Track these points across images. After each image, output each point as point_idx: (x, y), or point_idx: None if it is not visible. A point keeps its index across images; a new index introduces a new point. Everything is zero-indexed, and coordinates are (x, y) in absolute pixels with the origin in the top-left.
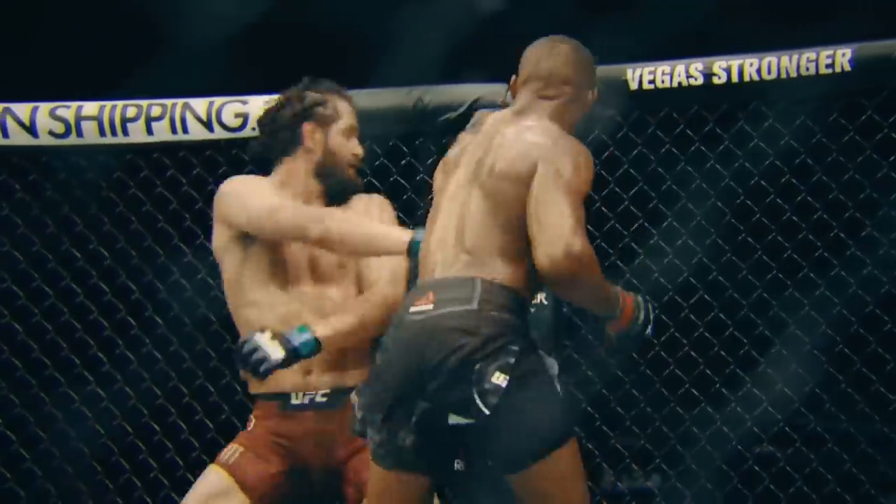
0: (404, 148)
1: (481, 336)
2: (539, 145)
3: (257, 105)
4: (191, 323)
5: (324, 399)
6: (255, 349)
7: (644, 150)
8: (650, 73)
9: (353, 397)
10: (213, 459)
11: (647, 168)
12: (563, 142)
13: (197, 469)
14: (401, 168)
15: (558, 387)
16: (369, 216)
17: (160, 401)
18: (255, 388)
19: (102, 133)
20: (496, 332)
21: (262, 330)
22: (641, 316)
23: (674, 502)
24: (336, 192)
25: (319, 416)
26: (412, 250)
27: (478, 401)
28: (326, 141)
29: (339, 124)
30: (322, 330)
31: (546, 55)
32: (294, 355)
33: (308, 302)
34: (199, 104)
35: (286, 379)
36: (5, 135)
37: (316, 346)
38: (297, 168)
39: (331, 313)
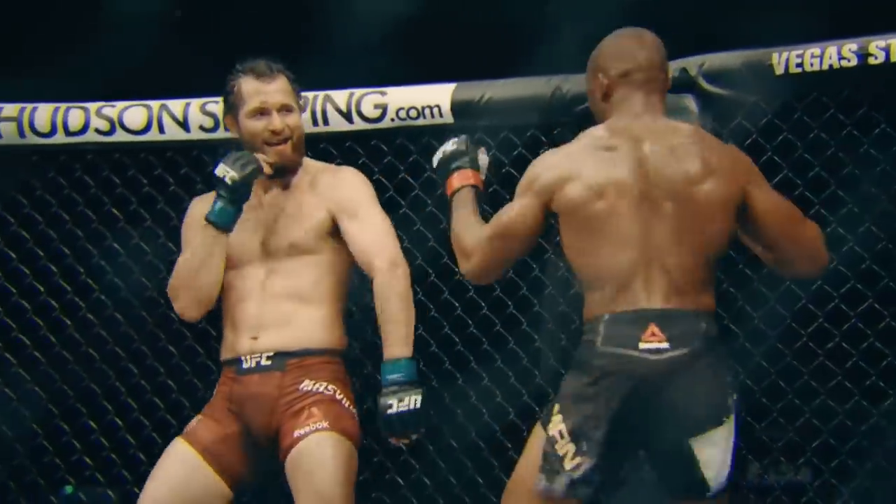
0: (542, 138)
1: (721, 379)
2: (714, 159)
3: (396, 96)
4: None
5: (268, 362)
6: (397, 415)
7: (790, 136)
8: (798, 56)
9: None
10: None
11: (793, 155)
12: (739, 153)
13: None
14: None
15: None
16: (317, 189)
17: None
18: (221, 355)
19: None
20: (728, 374)
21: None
22: None
23: (828, 498)
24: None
25: (262, 379)
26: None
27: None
28: (239, 128)
29: (245, 108)
30: (403, 350)
31: (638, 46)
32: (421, 385)
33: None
34: (340, 96)
35: (242, 344)
36: (162, 130)
37: (415, 364)
38: None
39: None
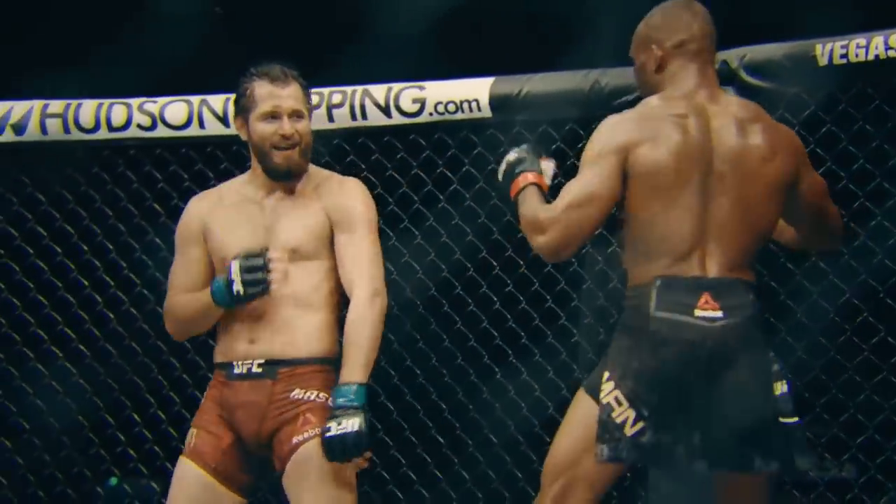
0: (581, 132)
1: (762, 347)
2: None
3: (434, 91)
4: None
5: (259, 370)
6: (339, 438)
7: (833, 128)
8: (842, 46)
9: None
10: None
11: (837, 147)
12: (790, 131)
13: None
14: (577, 151)
15: None
16: (320, 195)
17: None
18: (215, 358)
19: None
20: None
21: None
22: None
23: (874, 495)
24: (274, 175)
25: (252, 387)
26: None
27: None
28: (249, 130)
29: (256, 111)
30: (358, 376)
31: (691, 16)
32: (365, 411)
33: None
34: (378, 90)
35: (236, 348)
36: (202, 125)
37: (365, 390)
38: (253, 161)
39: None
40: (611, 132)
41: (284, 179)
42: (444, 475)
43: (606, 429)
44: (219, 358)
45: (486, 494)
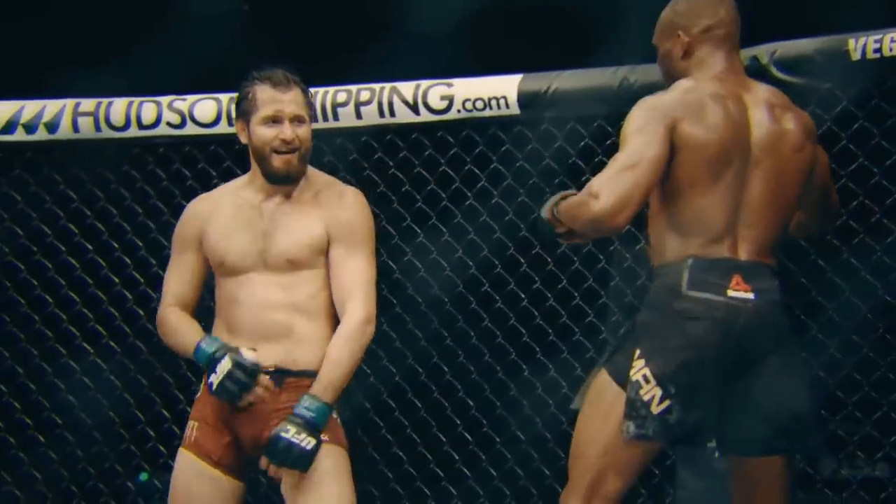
0: (609, 129)
1: (791, 331)
2: (805, 124)
3: (462, 88)
4: None
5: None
6: (289, 443)
7: (866, 123)
8: (876, 41)
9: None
10: None
11: (869, 143)
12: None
13: None
14: (605, 149)
15: None
16: (319, 203)
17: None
18: None
19: (314, 119)
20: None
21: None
22: None
23: None
24: (273, 179)
25: None
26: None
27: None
28: (249, 134)
29: (258, 114)
30: (329, 395)
31: (717, 2)
32: (318, 430)
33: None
34: (407, 88)
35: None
36: (231, 123)
37: (329, 413)
38: (252, 164)
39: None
40: (653, 107)
41: (283, 183)
42: (471, 472)
43: (633, 406)
44: None
45: (513, 492)
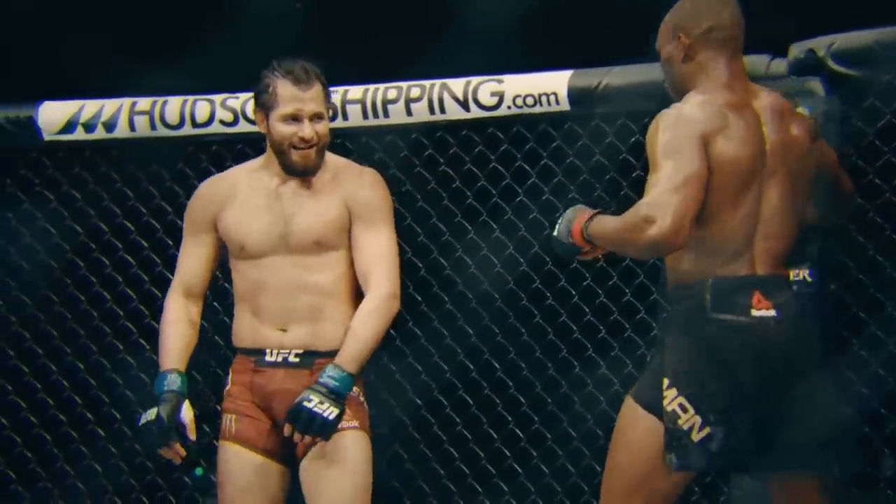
0: None
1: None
2: (808, 126)
3: (513, 84)
4: None
5: (296, 359)
6: (311, 413)
7: None
8: None
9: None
10: None
11: None
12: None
13: None
14: None
15: None
16: (338, 184)
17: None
18: (237, 342)
19: (365, 116)
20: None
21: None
22: None
23: None
24: (290, 171)
25: (288, 375)
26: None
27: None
28: (268, 126)
29: (277, 111)
30: (352, 366)
31: (720, 5)
32: (341, 399)
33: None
34: (457, 84)
35: (267, 336)
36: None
37: (352, 381)
38: (269, 150)
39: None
40: (681, 122)
41: (300, 175)
42: (522, 469)
43: (674, 436)
44: (244, 343)
45: (564, 488)
